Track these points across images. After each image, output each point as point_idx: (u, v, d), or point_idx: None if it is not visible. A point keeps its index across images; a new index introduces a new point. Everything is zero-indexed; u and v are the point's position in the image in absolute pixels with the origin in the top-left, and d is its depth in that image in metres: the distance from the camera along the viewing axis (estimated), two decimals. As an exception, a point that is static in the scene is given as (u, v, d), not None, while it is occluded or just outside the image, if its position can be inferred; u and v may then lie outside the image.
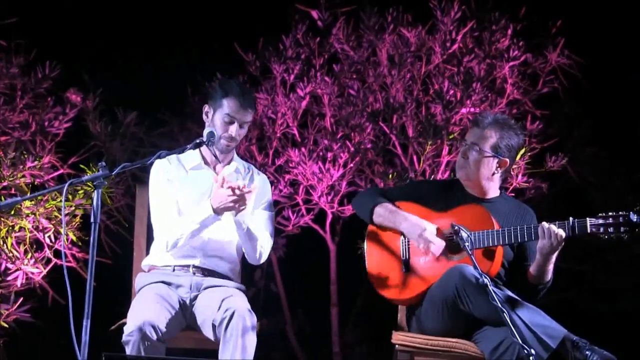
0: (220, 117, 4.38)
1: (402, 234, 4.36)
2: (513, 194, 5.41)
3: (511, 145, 4.34)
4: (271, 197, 4.59)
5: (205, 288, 4.35)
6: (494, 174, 4.36)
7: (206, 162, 4.51)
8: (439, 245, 4.25)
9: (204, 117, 4.47)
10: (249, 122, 4.43)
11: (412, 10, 5.70)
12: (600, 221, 4.04)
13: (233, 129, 4.36)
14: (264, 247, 4.40)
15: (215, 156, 4.31)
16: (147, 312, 4.07)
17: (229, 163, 4.50)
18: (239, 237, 4.37)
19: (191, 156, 4.49)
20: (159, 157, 3.92)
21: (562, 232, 4.05)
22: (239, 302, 4.13)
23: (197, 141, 4.12)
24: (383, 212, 4.39)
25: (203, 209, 4.24)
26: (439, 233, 4.27)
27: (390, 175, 5.57)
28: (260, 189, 4.49)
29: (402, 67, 5.63)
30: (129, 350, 3.97)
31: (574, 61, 5.66)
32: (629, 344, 5.53)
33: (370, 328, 6.27)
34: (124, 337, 4.00)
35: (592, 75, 5.78)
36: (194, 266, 4.39)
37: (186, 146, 4.14)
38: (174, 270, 4.39)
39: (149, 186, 4.50)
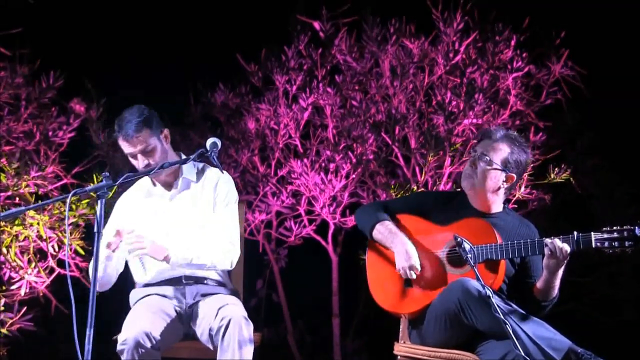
0: (126, 156, 4.36)
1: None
2: (516, 205, 5.42)
3: (520, 161, 4.27)
4: (234, 193, 4.50)
5: (202, 295, 4.35)
6: (499, 188, 4.30)
7: (155, 185, 4.48)
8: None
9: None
10: (150, 144, 4.28)
11: (415, 21, 5.69)
12: (605, 235, 3.98)
13: (140, 162, 4.28)
14: (221, 260, 4.33)
15: (218, 166, 4.26)
16: (141, 321, 4.10)
17: (177, 177, 4.45)
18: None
19: (142, 184, 4.47)
20: (162, 167, 3.95)
21: (567, 247, 4.00)
22: (235, 311, 4.11)
23: (200, 152, 4.12)
24: (383, 230, 4.33)
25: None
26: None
27: (392, 187, 5.55)
28: (222, 188, 4.47)
29: (404, 78, 5.63)
30: (124, 359, 3.99)
31: (577, 72, 5.66)
32: (632, 356, 5.53)
33: (371, 339, 6.26)
34: (118, 346, 4.02)
35: (595, 86, 5.76)
36: (185, 276, 4.39)
37: (189, 157, 4.13)
38: (167, 283, 4.40)
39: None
